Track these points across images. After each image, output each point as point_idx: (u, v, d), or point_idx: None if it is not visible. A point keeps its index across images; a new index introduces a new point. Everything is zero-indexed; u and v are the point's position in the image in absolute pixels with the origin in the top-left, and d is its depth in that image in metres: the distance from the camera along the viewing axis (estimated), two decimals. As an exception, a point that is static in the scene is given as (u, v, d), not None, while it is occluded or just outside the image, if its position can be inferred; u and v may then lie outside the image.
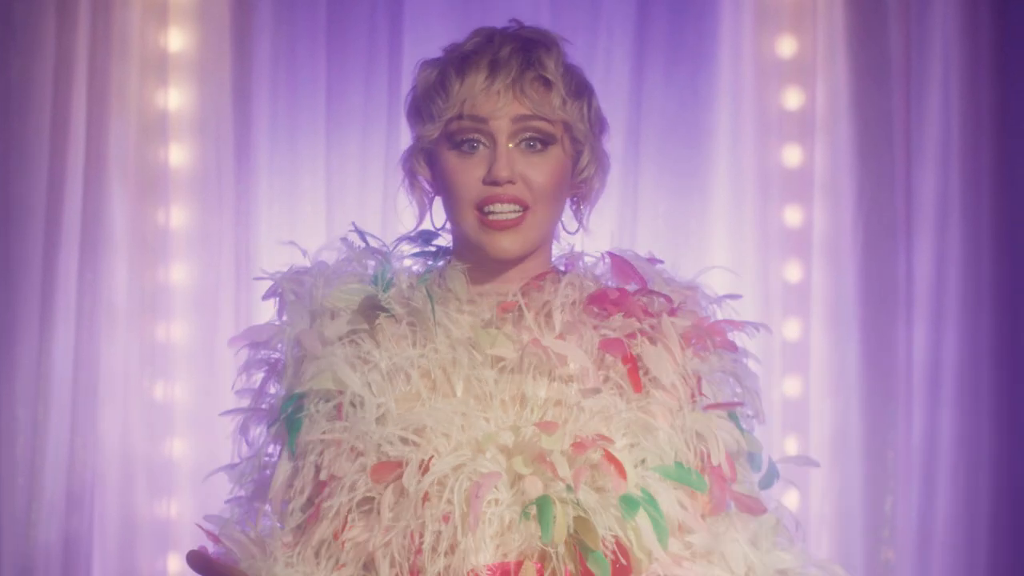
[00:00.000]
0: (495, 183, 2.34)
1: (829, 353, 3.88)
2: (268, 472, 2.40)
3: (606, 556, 2.24)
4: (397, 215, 2.57)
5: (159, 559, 3.76)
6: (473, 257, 2.41)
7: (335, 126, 3.83)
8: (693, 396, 2.38)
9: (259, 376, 2.45)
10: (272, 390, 2.43)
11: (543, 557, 2.25)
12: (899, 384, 3.85)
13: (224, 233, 3.79)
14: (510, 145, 2.36)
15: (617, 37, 3.85)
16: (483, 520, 2.23)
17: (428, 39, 3.65)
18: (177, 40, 3.82)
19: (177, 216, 3.81)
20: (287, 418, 2.36)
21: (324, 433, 2.31)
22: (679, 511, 2.30)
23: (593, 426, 2.28)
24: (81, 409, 3.73)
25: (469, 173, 2.36)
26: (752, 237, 3.87)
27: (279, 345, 2.42)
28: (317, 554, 2.30)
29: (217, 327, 3.77)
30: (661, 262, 2.51)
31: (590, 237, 2.49)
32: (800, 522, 2.49)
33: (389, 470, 2.26)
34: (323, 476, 2.30)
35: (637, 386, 2.34)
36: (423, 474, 2.24)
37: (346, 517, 2.27)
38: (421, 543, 2.23)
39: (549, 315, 2.37)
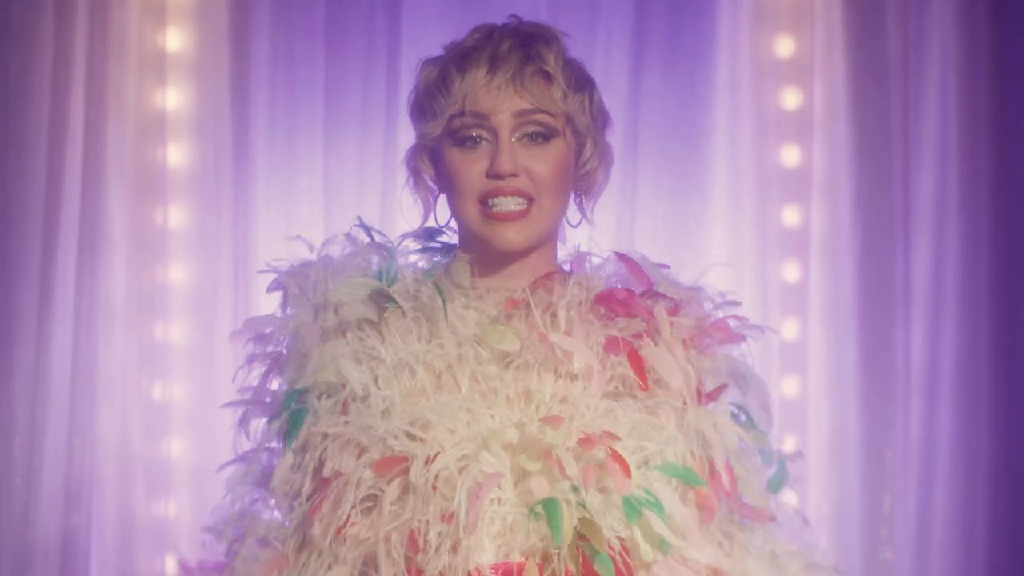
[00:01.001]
0: (498, 176, 2.35)
1: (827, 353, 3.87)
2: (272, 465, 2.40)
3: (611, 558, 2.24)
4: (402, 213, 2.57)
5: (157, 558, 3.75)
6: (478, 252, 2.41)
7: (333, 126, 3.83)
8: (697, 397, 2.38)
9: (260, 370, 2.45)
10: (274, 385, 2.43)
11: (544, 557, 2.25)
12: (897, 384, 3.84)
13: (222, 233, 3.79)
14: (512, 139, 2.37)
15: (615, 37, 3.85)
16: (485, 520, 2.22)
17: (426, 39, 3.65)
18: (175, 40, 3.82)
19: (175, 216, 3.81)
20: (290, 412, 2.36)
21: (328, 427, 2.31)
22: (681, 511, 2.30)
23: (599, 424, 2.28)
24: (79, 409, 3.72)
25: (472, 167, 2.37)
26: (750, 237, 3.87)
27: (280, 338, 2.42)
28: (318, 552, 2.30)
29: (215, 327, 3.76)
30: (667, 267, 2.52)
31: (595, 231, 2.49)
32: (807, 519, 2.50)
33: (393, 464, 2.26)
34: (326, 472, 2.30)
35: (643, 385, 2.34)
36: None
37: (349, 514, 2.27)
38: (424, 541, 2.22)
39: (555, 313, 2.37)
